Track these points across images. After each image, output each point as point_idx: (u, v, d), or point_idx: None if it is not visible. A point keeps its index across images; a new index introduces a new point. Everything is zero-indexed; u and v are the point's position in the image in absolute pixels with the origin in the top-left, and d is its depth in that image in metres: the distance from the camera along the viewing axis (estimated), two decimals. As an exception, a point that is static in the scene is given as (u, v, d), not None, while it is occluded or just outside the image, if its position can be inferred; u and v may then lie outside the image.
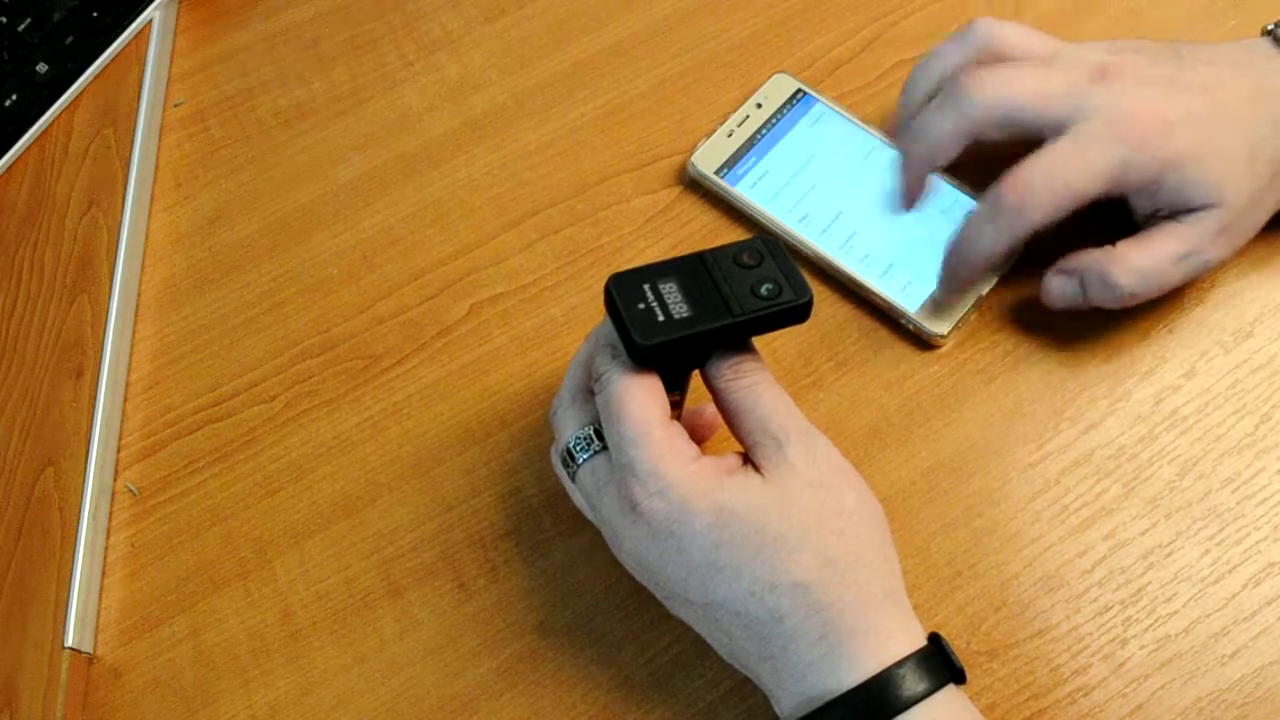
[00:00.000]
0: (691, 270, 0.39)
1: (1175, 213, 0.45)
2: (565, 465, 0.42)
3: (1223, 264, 0.47)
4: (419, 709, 0.45)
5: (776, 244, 0.40)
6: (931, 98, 0.47)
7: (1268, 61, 0.46)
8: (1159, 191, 0.45)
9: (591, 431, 0.41)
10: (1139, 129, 0.44)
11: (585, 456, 0.41)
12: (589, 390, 0.42)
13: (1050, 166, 0.44)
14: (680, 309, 0.38)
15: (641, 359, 0.38)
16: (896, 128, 0.50)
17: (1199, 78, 0.45)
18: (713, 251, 0.40)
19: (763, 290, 0.39)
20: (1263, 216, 0.47)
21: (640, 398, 0.38)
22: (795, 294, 0.39)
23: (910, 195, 0.49)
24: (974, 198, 0.52)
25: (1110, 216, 0.47)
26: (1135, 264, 0.46)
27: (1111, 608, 0.44)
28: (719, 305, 0.38)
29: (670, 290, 0.39)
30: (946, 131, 0.46)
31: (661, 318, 0.38)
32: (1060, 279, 0.48)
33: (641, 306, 0.38)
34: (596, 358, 0.41)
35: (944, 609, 0.45)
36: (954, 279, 0.49)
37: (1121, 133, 0.44)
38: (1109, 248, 0.46)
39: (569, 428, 0.41)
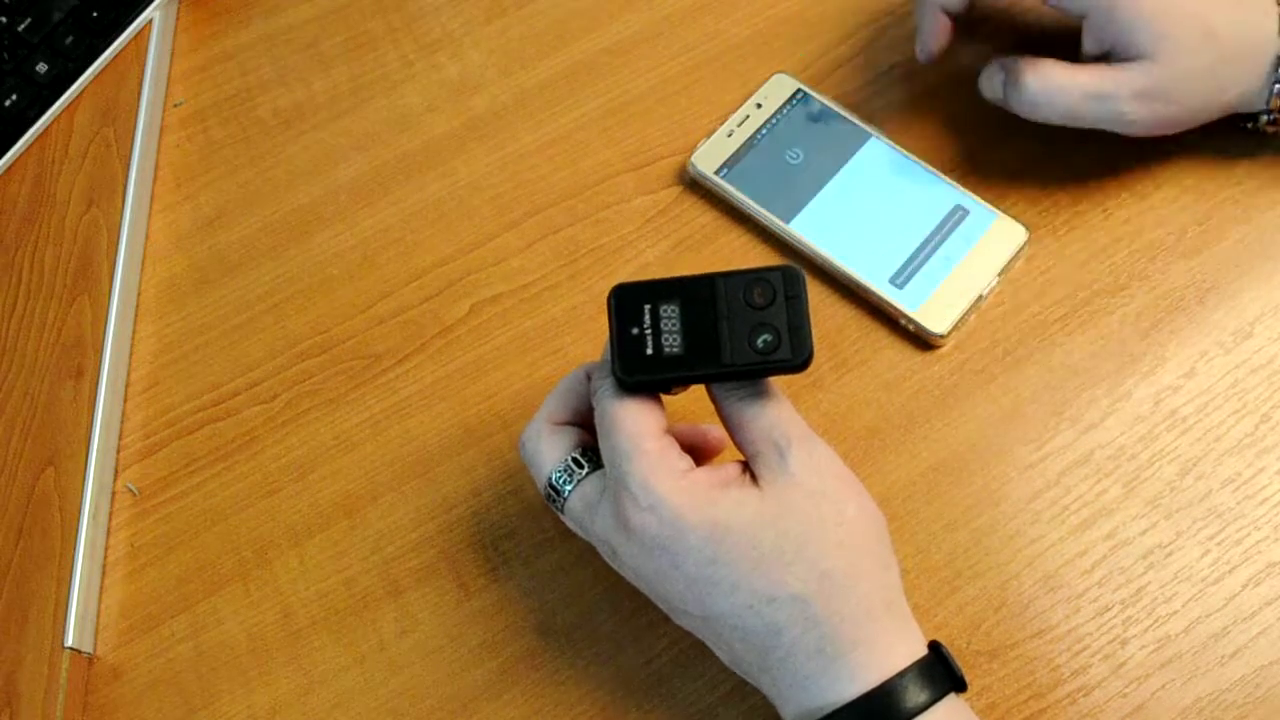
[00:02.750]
0: (698, 296, 0.38)
1: (1115, 59, 0.47)
2: (551, 500, 0.41)
3: (1149, 131, 0.48)
4: (419, 709, 0.45)
5: (796, 280, 0.38)
6: None
7: None
8: (1108, 25, 0.47)
9: (570, 460, 0.41)
10: None
11: (570, 487, 0.40)
12: (563, 421, 0.42)
13: None
14: (672, 343, 0.38)
15: (624, 389, 0.38)
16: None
17: None
18: (727, 278, 0.38)
19: (759, 342, 0.37)
20: (1205, 103, 0.48)
21: (633, 411, 0.38)
22: (791, 353, 0.37)
23: (926, 42, 0.53)
24: (981, 202, 0.52)
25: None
26: (1050, 75, 0.48)
27: (1111, 608, 0.44)
28: (711, 349, 0.38)
29: (669, 316, 0.38)
30: None
31: (650, 350, 0.38)
32: (992, 69, 0.51)
33: (635, 331, 0.38)
34: (596, 370, 0.40)
35: (944, 609, 0.45)
36: (920, 33, 0.53)
37: None
38: (1039, 58, 0.49)
39: (546, 463, 0.41)
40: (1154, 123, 0.48)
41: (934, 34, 0.52)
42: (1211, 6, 0.46)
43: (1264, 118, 0.49)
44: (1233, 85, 0.48)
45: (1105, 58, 0.48)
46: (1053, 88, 0.48)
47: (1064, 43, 0.50)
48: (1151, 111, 0.47)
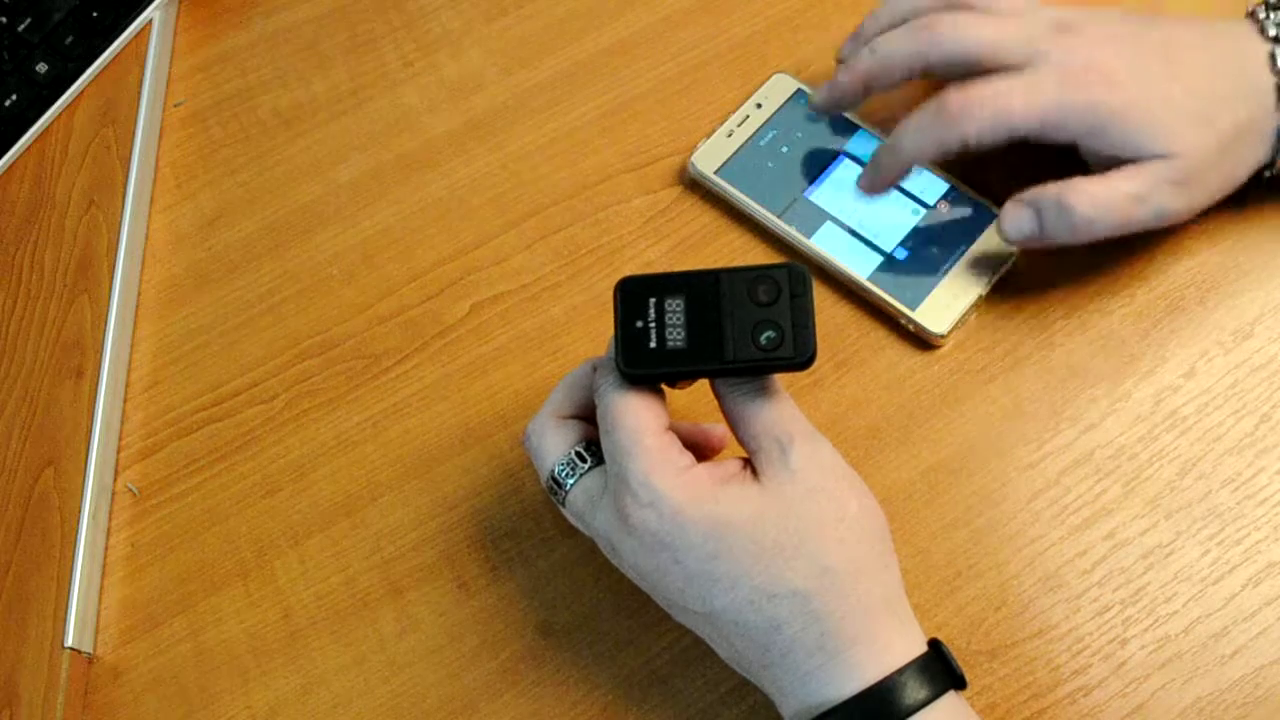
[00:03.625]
0: (703, 292, 0.38)
1: (1129, 162, 0.46)
2: (553, 493, 0.41)
3: (1180, 220, 0.47)
4: (419, 709, 0.45)
5: (801, 278, 0.38)
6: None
7: (1243, 40, 0.46)
8: (1105, 142, 0.45)
9: (574, 454, 0.41)
10: (1085, 79, 0.45)
11: (572, 481, 0.40)
12: (569, 415, 0.42)
13: (997, 89, 0.45)
14: (676, 337, 0.38)
15: (626, 381, 0.39)
16: (848, 47, 0.51)
17: (1160, 37, 0.46)
18: (731, 275, 0.38)
19: (762, 339, 0.37)
20: (1223, 182, 0.47)
21: (634, 407, 0.38)
22: (794, 351, 0.37)
23: (835, 99, 0.50)
24: (981, 202, 0.52)
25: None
26: (1093, 192, 0.45)
27: (1111, 608, 0.44)
28: (714, 344, 0.38)
29: (674, 310, 0.38)
30: (899, 54, 0.47)
31: (654, 343, 0.38)
32: (1016, 208, 0.47)
33: (639, 325, 0.38)
34: (599, 367, 0.41)
35: (944, 609, 0.45)
36: (877, 169, 0.49)
37: (1068, 80, 0.45)
38: (1066, 180, 0.46)
39: (550, 455, 0.41)
40: (1187, 209, 0.46)
41: (847, 97, 0.49)
42: (1191, 92, 0.45)
43: (1266, 173, 0.48)
44: (1248, 159, 0.47)
45: (1111, 164, 0.46)
46: (1103, 203, 0.45)
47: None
48: (1187, 200, 0.46)
